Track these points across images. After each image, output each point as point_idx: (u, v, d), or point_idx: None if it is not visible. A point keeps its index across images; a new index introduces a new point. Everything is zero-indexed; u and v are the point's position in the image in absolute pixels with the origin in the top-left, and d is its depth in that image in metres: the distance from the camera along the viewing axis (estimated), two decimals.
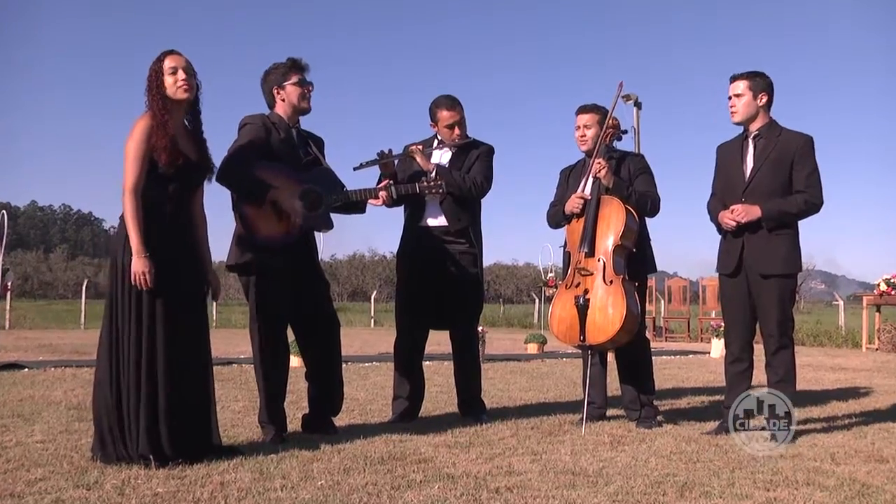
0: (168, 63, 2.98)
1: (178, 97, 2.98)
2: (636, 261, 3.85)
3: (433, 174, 3.86)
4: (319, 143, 3.67)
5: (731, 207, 3.67)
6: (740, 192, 3.69)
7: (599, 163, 3.82)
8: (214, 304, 18.24)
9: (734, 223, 3.64)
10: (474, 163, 4.01)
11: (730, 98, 3.75)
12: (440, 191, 3.74)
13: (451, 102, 4.03)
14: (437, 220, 3.97)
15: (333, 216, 3.53)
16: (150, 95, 2.97)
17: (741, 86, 3.71)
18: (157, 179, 2.92)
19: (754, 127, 3.73)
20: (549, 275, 17.79)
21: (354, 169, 3.81)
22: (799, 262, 3.69)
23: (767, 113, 3.73)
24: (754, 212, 3.61)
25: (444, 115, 4.01)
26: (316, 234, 3.60)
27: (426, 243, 3.96)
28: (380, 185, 3.70)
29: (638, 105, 16.23)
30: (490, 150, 4.10)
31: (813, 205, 3.62)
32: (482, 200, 4.10)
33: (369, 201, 3.66)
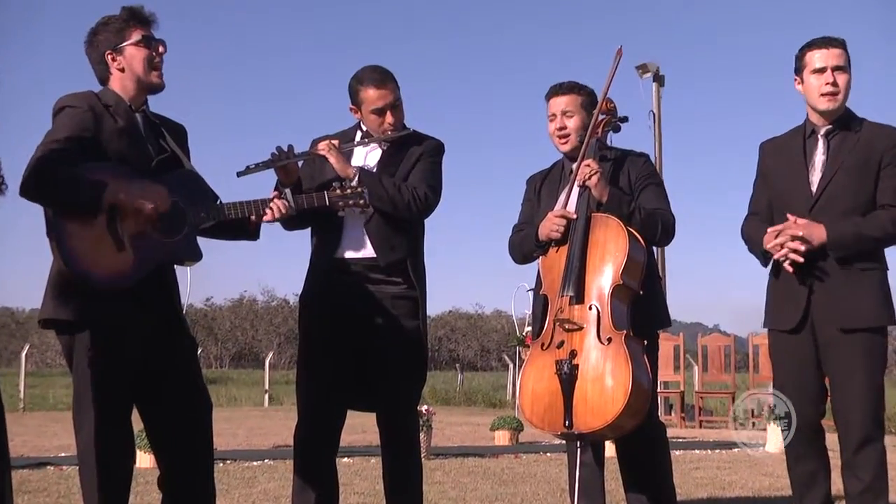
0: None
1: None
2: (643, 308, 3.86)
3: (354, 181, 3.91)
4: (179, 134, 3.69)
5: (788, 222, 3.67)
6: (806, 209, 3.72)
7: (588, 165, 3.83)
8: (22, 375, 17.85)
9: (800, 248, 3.61)
10: (415, 165, 4.09)
11: (822, 71, 3.71)
12: (361, 202, 3.77)
13: (381, 77, 4.07)
14: (359, 251, 4.01)
15: (203, 242, 3.57)
16: None
17: (843, 57, 3.70)
18: None
19: (828, 119, 3.77)
20: (528, 329, 17.92)
21: (239, 174, 3.82)
22: (892, 310, 3.74)
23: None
24: (817, 233, 3.62)
25: (371, 94, 4.05)
26: (177, 268, 3.63)
27: (343, 284, 4.00)
28: (271, 196, 3.72)
29: (659, 80, 16.72)
30: (438, 148, 4.19)
31: None
32: (426, 221, 4.18)
33: (260, 219, 3.67)
